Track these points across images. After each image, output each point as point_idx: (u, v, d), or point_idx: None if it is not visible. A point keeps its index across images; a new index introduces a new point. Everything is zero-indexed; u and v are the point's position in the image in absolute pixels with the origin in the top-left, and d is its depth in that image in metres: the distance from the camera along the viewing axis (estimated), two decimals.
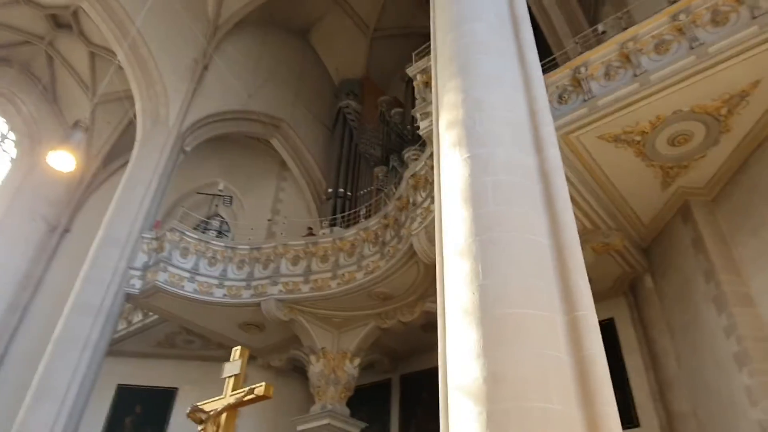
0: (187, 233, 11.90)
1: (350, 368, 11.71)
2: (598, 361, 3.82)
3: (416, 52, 8.71)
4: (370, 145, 15.98)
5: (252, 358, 14.27)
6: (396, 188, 11.33)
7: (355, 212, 13.19)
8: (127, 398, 14.20)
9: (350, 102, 17.47)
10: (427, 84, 8.09)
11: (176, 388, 14.57)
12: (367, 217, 12.57)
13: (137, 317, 13.84)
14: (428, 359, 12.91)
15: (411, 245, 9.62)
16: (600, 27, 9.81)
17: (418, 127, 14.69)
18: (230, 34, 16.39)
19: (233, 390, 7.19)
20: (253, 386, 6.87)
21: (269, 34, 18.00)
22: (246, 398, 6.82)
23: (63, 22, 16.61)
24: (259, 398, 6.97)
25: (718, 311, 8.05)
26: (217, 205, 13.93)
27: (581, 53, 8.49)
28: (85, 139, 11.53)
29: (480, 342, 4.00)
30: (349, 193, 15.19)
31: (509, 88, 5.66)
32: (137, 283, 11.46)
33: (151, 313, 13.44)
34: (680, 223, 9.13)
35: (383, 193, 12.35)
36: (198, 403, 7.29)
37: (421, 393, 12.79)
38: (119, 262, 11.34)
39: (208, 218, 13.22)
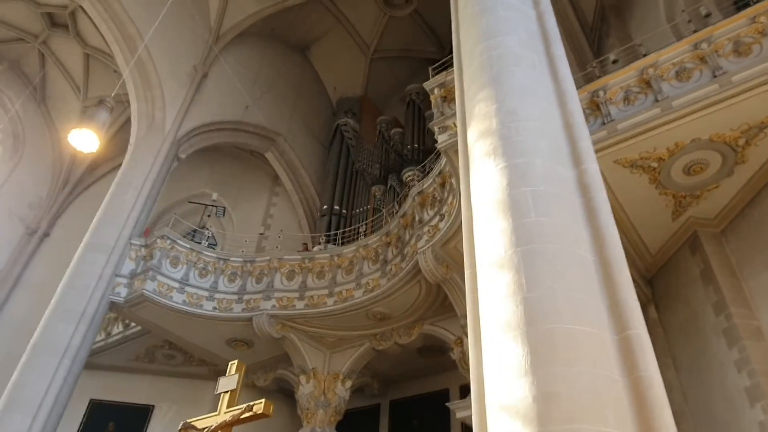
0: (179, 242, 11.46)
1: (342, 390, 11.27)
2: (656, 383, 3.57)
3: (433, 66, 8.58)
4: (368, 164, 15.78)
5: None
6: (399, 206, 11.10)
7: (352, 229, 12.89)
8: (100, 414, 13.48)
9: (348, 120, 17.33)
10: (446, 98, 7.94)
11: (152, 406, 13.90)
12: (365, 235, 12.30)
13: (117, 328, 13.24)
14: (421, 384, 12.57)
15: (415, 263, 9.37)
16: (612, 56, 9.86)
17: (418, 148, 14.72)
18: (231, 44, 16.19)
19: (228, 407, 6.75)
20: (252, 403, 6.45)
21: (269, 48, 17.87)
22: (243, 416, 6.40)
23: (59, 22, 16.25)
24: (257, 416, 6.54)
25: (729, 344, 7.89)
26: (209, 216, 13.48)
27: (591, 80, 8.48)
28: (109, 120, 10.92)
29: (527, 358, 3.73)
30: (344, 211, 14.89)
31: (543, 101, 5.52)
32: (123, 291, 10.93)
33: (132, 325, 12.87)
34: (688, 255, 9.03)
35: (384, 212, 12.08)
36: (189, 420, 6.82)
37: (412, 420, 12.38)
38: (105, 268, 10.82)
39: (200, 227, 12.73)
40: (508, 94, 5.51)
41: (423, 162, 14.00)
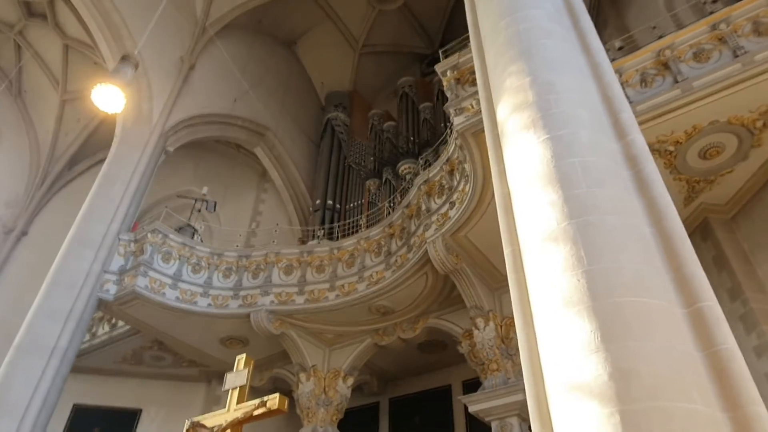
0: (171, 236, 10.95)
1: (343, 388, 10.89)
2: (737, 357, 3.33)
3: (443, 49, 8.33)
4: (361, 158, 15.47)
5: None
6: (401, 197, 10.80)
7: (348, 223, 12.54)
8: (85, 419, 12.85)
9: (339, 114, 16.99)
10: (459, 80, 7.68)
11: (140, 410, 13.33)
12: (356, 231, 11.97)
13: (102, 329, 12.64)
14: (421, 381, 12.26)
15: (423, 254, 9.08)
16: (617, 42, 9.74)
17: (413, 140, 14.45)
18: (218, 36, 15.69)
19: (238, 403, 6.40)
20: (265, 398, 6.13)
21: (257, 41, 17.43)
22: (256, 412, 6.04)
23: (37, 11, 15.54)
24: (271, 413, 6.20)
25: (747, 330, 7.80)
26: (199, 210, 12.96)
27: None
28: (134, 77, 10.24)
29: (596, 334, 3.45)
30: (338, 206, 14.53)
31: (578, 73, 5.29)
32: (112, 288, 10.38)
33: (119, 325, 12.30)
34: (699, 241, 8.93)
35: (386, 202, 11.76)
36: (196, 418, 6.46)
37: (413, 417, 12.05)
38: (93, 265, 10.26)
39: (188, 224, 12.20)
40: (541, 66, 5.27)
41: (419, 154, 13.80)
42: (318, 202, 14.67)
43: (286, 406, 5.94)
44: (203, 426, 6.12)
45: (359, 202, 14.32)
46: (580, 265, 3.80)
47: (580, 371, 3.42)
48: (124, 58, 8.91)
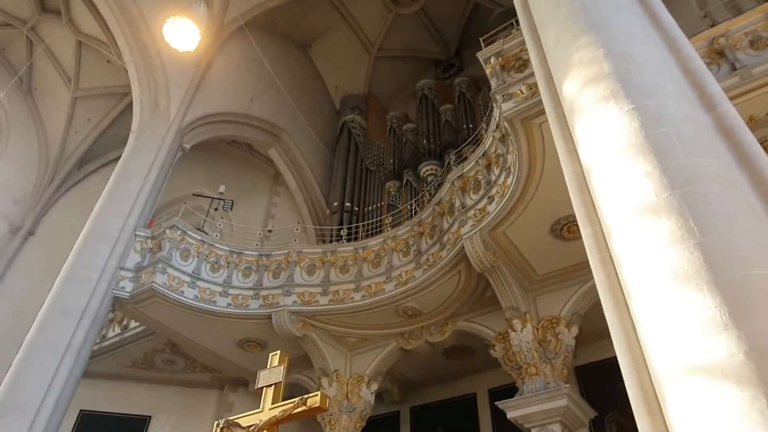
0: (190, 232, 10.55)
1: (367, 394, 10.40)
2: None
3: (484, 38, 8.01)
4: (379, 161, 15.14)
5: (244, 384, 12.77)
6: (431, 196, 10.45)
7: (372, 223, 12.14)
8: (92, 427, 12.33)
9: (355, 117, 16.68)
10: (504, 66, 7.36)
11: (149, 417, 12.80)
12: (378, 232, 11.59)
13: (113, 331, 12.16)
14: (444, 390, 11.81)
15: (459, 251, 8.70)
16: None
17: (434, 142, 14.12)
18: (235, 34, 15.44)
19: (273, 402, 5.97)
20: (306, 396, 5.69)
21: (273, 42, 17.16)
22: (296, 411, 5.60)
23: (51, 7, 15.28)
24: (311, 411, 5.77)
25: None
26: (215, 209, 12.57)
27: None
28: (206, 16, 9.65)
29: (722, 310, 3.06)
30: (356, 208, 14.15)
31: (653, 46, 4.96)
32: (128, 286, 9.95)
33: (130, 327, 11.85)
34: None
35: (414, 203, 11.37)
36: (232, 417, 6.02)
37: (436, 427, 11.56)
38: (109, 260, 9.85)
39: (203, 222, 11.80)
40: (614, 38, 4.95)
41: (441, 156, 13.48)
42: (336, 204, 14.28)
43: (327, 404, 5.51)
44: (238, 425, 5.68)
45: (378, 204, 13.95)
46: (691, 237, 3.42)
47: (705, 352, 3.02)
48: None
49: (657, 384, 3.32)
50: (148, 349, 12.03)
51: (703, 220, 3.48)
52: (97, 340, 11.76)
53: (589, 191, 4.59)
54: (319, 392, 5.47)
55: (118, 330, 11.96)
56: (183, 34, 7.91)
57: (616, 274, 4.01)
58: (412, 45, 19.53)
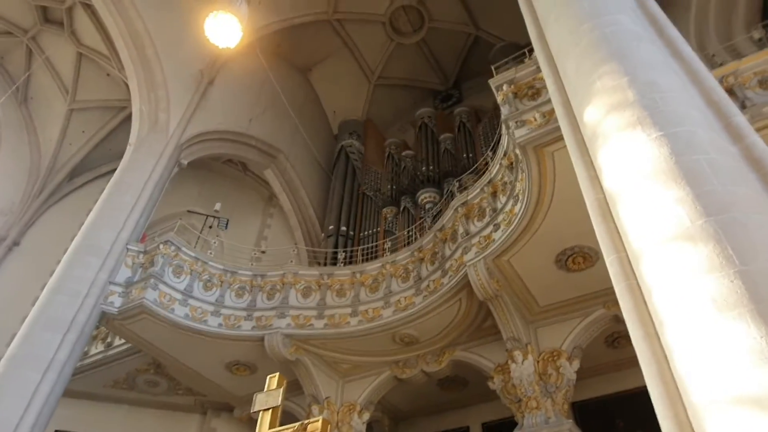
0: (184, 249, 10.28)
1: (358, 423, 10.07)
2: None
3: (496, 65, 8.04)
4: (375, 186, 15.06)
5: (228, 409, 12.33)
6: (433, 221, 10.35)
7: (369, 248, 11.98)
8: None
9: (353, 141, 16.67)
10: (517, 94, 7.36)
11: None
12: (374, 257, 11.44)
13: (96, 348, 11.72)
14: (436, 422, 11.53)
15: (461, 278, 8.56)
16: None
17: (433, 170, 14.09)
18: (238, 54, 15.42)
19: (270, 427, 5.74)
20: (306, 421, 5.48)
21: (275, 64, 17.19)
22: None
23: (53, 18, 15.20)
24: None
25: None
26: (210, 227, 12.33)
27: None
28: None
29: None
30: (351, 233, 13.99)
31: (675, 77, 4.97)
32: (117, 301, 9.60)
33: (115, 344, 11.44)
34: None
35: (411, 230, 11.24)
36: None
37: None
38: (99, 274, 9.52)
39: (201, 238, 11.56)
40: (637, 67, 4.94)
41: (440, 183, 13.46)
42: (331, 228, 14.12)
43: (329, 431, 5.26)
44: None
45: (374, 230, 13.80)
46: (731, 265, 3.32)
47: (753, 382, 2.90)
48: None
49: (694, 416, 3.18)
50: (131, 368, 11.60)
51: (742, 247, 3.39)
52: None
53: (612, 218, 4.52)
54: (320, 418, 5.25)
55: (101, 347, 11.53)
56: (226, 30, 7.77)
57: (644, 302, 3.91)
58: (412, 74, 19.72)
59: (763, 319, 3.05)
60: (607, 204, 4.63)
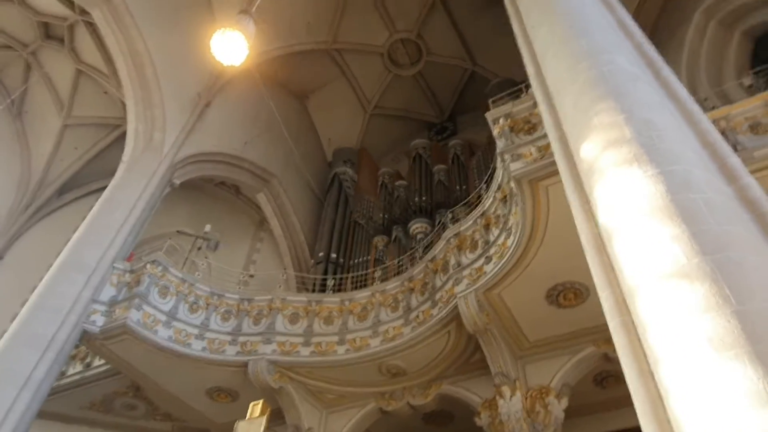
0: (171, 269, 10.13)
1: None
2: None
3: (492, 99, 8.14)
4: (368, 215, 15.05)
5: None
6: (423, 252, 10.30)
7: (359, 276, 11.88)
8: None
9: (347, 169, 16.75)
10: (513, 128, 7.43)
11: None
12: (363, 286, 11.34)
13: (74, 368, 11.39)
14: None
15: (451, 310, 8.49)
16: None
17: (425, 201, 14.12)
18: (235, 78, 15.55)
19: None
20: None
21: (272, 89, 17.32)
22: None
23: (54, 34, 15.26)
24: None
25: None
26: (199, 248, 12.20)
27: None
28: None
29: (766, 382, 2.92)
30: (341, 260, 13.90)
31: (671, 117, 5.04)
32: (99, 320, 9.40)
33: (94, 365, 11.13)
34: None
35: (403, 259, 11.17)
36: None
37: None
38: (83, 291, 9.34)
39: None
40: (634, 105, 5.01)
41: (432, 214, 13.47)
42: (321, 254, 14.03)
43: None
44: None
45: (365, 258, 13.72)
46: (727, 305, 3.30)
47: (747, 426, 2.85)
48: (243, 12, 8.44)
49: None
50: (109, 390, 11.29)
51: (739, 287, 3.38)
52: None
53: (607, 253, 4.50)
54: None
55: (79, 367, 11.21)
56: (232, 48, 7.83)
57: (638, 339, 3.87)
58: (408, 105, 19.93)
59: (760, 361, 3.01)
60: (601, 239, 4.63)
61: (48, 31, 15.25)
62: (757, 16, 11.42)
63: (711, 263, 3.56)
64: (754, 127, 7.32)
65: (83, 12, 13.67)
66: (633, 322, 3.95)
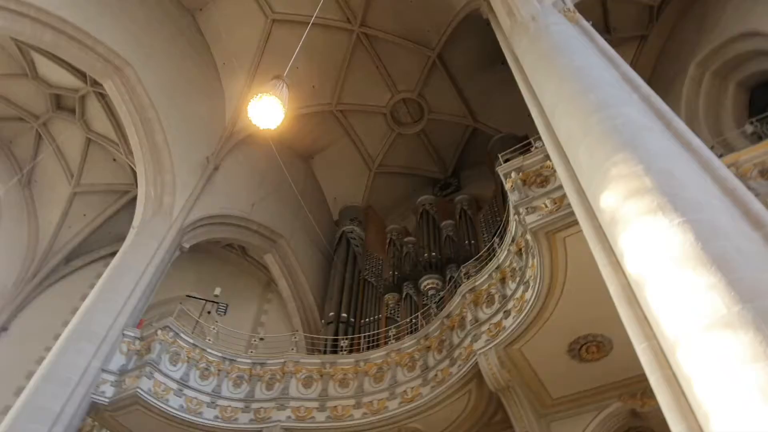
0: (182, 335, 9.95)
1: None
2: None
3: (503, 153, 8.26)
4: (377, 273, 14.96)
5: None
6: (438, 308, 10.16)
7: (372, 335, 11.66)
8: None
9: (354, 228, 16.76)
10: (525, 181, 7.49)
11: None
12: (376, 346, 11.12)
13: None
14: None
15: (471, 367, 8.27)
16: None
17: (435, 256, 14.05)
18: (243, 142, 15.85)
19: None
20: None
21: (278, 151, 17.61)
22: None
23: (66, 105, 15.66)
24: None
25: None
26: (209, 312, 12.04)
27: None
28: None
29: None
30: (352, 319, 13.69)
31: (688, 166, 5.08)
32: (108, 391, 9.14)
33: None
34: None
35: (416, 316, 10.99)
36: None
37: None
38: (92, 361, 9.13)
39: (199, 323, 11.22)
40: (652, 155, 5.07)
41: (443, 270, 13.38)
42: (332, 314, 13.81)
43: None
44: None
45: (376, 316, 13.52)
46: None
47: None
48: (277, 77, 8.60)
49: None
50: None
51: None
52: None
53: (639, 304, 4.43)
54: None
55: None
56: (269, 112, 8.02)
57: (683, 393, 3.74)
58: (412, 163, 20.18)
59: None
60: (632, 289, 4.57)
61: (59, 103, 15.66)
62: (750, 66, 11.77)
63: (753, 311, 3.50)
64: (764, 173, 7.36)
65: (95, 83, 14.09)
66: (674, 375, 3.84)
